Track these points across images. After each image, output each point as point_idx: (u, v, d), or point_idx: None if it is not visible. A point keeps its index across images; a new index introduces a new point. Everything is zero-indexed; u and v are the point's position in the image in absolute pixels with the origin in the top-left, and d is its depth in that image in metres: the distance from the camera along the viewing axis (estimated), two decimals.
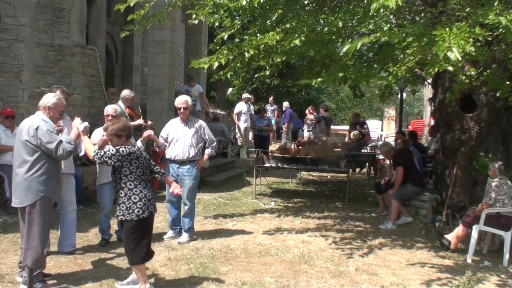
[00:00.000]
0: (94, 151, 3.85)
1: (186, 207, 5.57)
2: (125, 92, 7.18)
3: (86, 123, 4.32)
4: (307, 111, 14.13)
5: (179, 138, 5.55)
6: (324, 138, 10.95)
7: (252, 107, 13.66)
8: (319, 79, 4.54)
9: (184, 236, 5.56)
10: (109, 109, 5.22)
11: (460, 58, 3.49)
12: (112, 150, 3.75)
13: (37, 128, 3.88)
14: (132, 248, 3.81)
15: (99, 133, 5.02)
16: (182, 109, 5.51)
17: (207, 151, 5.74)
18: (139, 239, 3.81)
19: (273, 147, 12.54)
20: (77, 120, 4.25)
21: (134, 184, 3.78)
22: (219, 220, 6.68)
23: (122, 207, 3.80)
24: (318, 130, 13.14)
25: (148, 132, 5.26)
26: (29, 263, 3.77)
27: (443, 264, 5.16)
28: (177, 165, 5.57)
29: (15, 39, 7.39)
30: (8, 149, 6.14)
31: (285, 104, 16.22)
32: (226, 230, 6.13)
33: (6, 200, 6.23)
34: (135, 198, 3.76)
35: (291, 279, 4.46)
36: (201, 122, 5.70)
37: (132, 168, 3.77)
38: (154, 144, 5.67)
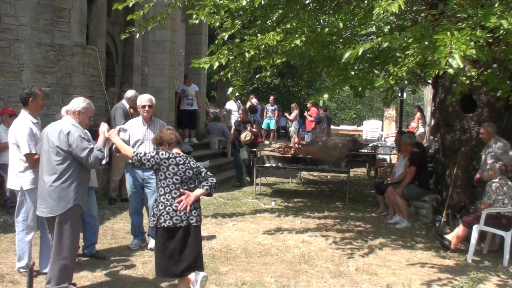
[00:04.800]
0: (134, 152, 3.79)
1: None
2: (131, 93, 7.09)
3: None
4: (306, 114, 14.15)
5: (143, 141, 5.12)
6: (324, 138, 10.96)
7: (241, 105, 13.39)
8: (325, 95, 4.51)
9: (153, 242, 5.04)
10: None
11: (461, 65, 3.47)
12: (152, 153, 3.69)
13: (68, 133, 3.75)
14: (157, 257, 3.69)
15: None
16: (147, 107, 5.07)
17: None
18: (161, 250, 3.64)
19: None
20: (104, 126, 4.09)
21: (164, 190, 3.63)
22: (219, 220, 6.68)
23: (151, 212, 3.75)
24: (319, 131, 13.15)
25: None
26: (56, 275, 3.69)
27: (443, 264, 5.16)
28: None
29: (16, 39, 7.39)
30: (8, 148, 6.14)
31: (253, 100, 15.32)
32: (226, 230, 6.12)
33: (6, 199, 6.23)
34: (161, 206, 3.61)
35: (291, 279, 4.46)
36: (162, 123, 5.42)
37: (168, 173, 3.61)
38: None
